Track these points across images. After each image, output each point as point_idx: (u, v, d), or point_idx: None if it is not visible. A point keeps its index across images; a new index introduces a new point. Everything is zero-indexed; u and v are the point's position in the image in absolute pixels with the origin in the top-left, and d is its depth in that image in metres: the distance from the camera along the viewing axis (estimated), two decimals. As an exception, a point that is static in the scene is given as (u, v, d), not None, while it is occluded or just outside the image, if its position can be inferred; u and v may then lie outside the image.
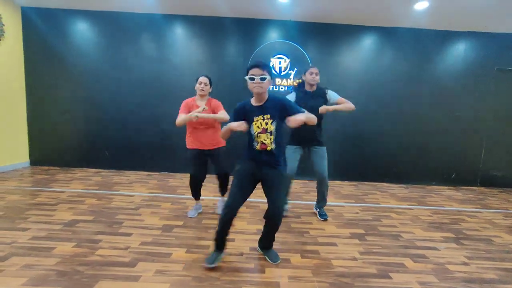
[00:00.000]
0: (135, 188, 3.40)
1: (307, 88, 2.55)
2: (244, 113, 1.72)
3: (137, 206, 2.77)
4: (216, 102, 2.50)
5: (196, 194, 2.64)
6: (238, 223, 2.45)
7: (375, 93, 4.23)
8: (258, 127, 1.68)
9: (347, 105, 2.52)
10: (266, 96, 1.71)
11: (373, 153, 4.33)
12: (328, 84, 4.04)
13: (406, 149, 4.33)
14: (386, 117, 4.26)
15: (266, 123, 1.66)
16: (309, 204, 3.09)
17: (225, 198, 2.54)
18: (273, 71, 4.15)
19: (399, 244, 2.20)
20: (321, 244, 2.14)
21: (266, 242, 1.89)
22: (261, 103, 1.69)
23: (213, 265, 1.70)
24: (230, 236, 2.12)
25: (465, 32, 4.13)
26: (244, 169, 1.75)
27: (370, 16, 3.82)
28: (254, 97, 1.72)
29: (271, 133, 1.68)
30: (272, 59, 4.12)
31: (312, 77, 2.48)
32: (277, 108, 1.68)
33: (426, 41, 4.15)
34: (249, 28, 4.13)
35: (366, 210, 3.01)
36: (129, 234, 2.13)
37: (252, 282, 1.60)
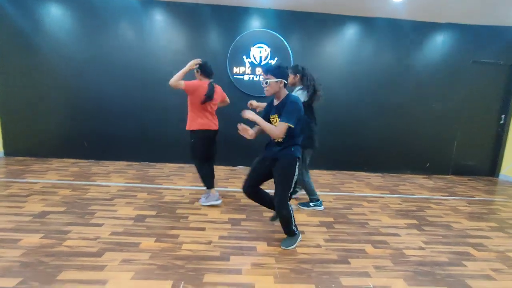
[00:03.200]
0: (112, 178, 3.39)
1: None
2: (268, 108, 2.02)
3: (112, 196, 2.77)
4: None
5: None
6: (211, 213, 2.50)
7: (355, 84, 4.28)
8: (273, 123, 1.93)
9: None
10: (283, 96, 1.90)
11: (353, 143, 4.42)
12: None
13: (385, 139, 4.44)
14: (366, 108, 4.34)
15: (276, 121, 1.90)
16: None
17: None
18: (253, 60, 4.11)
19: (364, 231, 2.31)
20: (289, 232, 2.22)
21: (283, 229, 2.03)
22: (277, 102, 1.92)
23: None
24: (200, 224, 2.18)
25: (444, 23, 4.18)
26: (262, 155, 2.02)
27: (349, 6, 3.80)
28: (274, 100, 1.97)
29: None
30: (252, 48, 4.07)
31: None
32: (283, 108, 1.87)
33: (405, 32, 4.18)
34: (230, 16, 4.04)
35: (340, 199, 3.11)
36: (100, 225, 2.14)
37: (215, 269, 1.66)
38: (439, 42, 4.25)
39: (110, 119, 4.17)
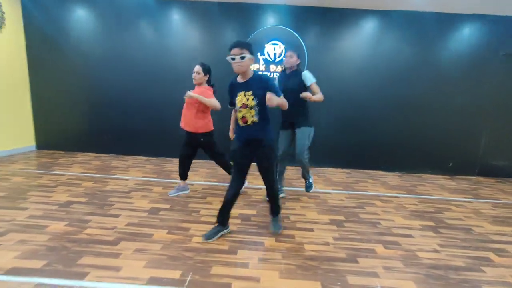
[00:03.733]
0: (131, 172, 3.56)
1: (287, 71, 2.71)
2: (232, 88, 1.91)
3: (129, 189, 2.92)
4: (201, 90, 2.60)
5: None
6: (222, 208, 2.56)
7: (372, 79, 4.14)
8: (240, 101, 1.83)
9: (319, 96, 2.55)
10: (250, 74, 1.84)
11: (369, 140, 4.30)
12: (323, 70, 4.02)
13: (403, 136, 4.27)
14: (384, 104, 4.19)
15: (247, 99, 1.79)
16: (298, 190, 3.17)
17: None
18: (267, 57, 4.11)
19: (375, 231, 2.26)
20: (298, 229, 2.22)
21: (271, 208, 2.17)
22: (245, 80, 1.83)
23: (210, 240, 1.93)
24: (211, 219, 2.24)
25: (471, 15, 3.92)
26: (237, 151, 1.96)
27: (368, -1, 3.68)
28: (239, 75, 1.86)
29: (252, 107, 1.81)
30: (266, 45, 4.07)
31: (286, 60, 2.65)
32: (261, 86, 1.80)
33: (427, 25, 3.97)
34: (244, 13, 4.06)
35: (352, 198, 3.06)
36: (117, 216, 2.27)
37: (223, 262, 1.71)
38: (466, 34, 4.00)
39: (130, 115, 4.37)
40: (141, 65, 4.24)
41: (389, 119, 4.23)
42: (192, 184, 3.18)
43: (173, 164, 4.08)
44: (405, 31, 4.02)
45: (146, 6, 4.10)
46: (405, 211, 2.74)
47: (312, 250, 1.91)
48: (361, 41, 4.09)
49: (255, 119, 1.84)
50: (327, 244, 2.01)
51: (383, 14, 3.99)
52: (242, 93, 1.82)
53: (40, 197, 2.58)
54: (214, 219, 2.28)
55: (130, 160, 4.22)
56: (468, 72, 4.07)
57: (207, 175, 3.59)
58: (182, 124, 2.68)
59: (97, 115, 4.41)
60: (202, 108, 2.59)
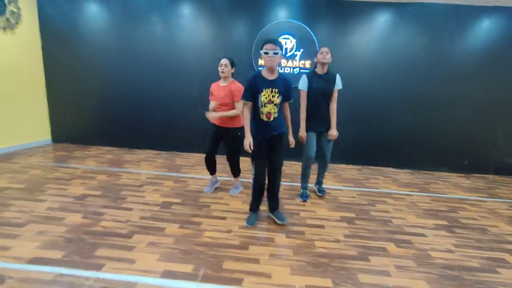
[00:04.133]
0: (142, 166, 3.62)
1: (319, 70, 2.59)
2: (257, 82, 1.93)
3: (141, 183, 2.98)
4: (236, 87, 2.51)
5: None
6: (233, 203, 2.58)
7: (384, 74, 4.04)
8: (266, 98, 1.92)
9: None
10: (277, 72, 1.95)
11: (381, 136, 4.22)
12: (336, 65, 3.94)
13: (416, 132, 4.17)
14: (396, 99, 4.09)
15: (273, 96, 1.91)
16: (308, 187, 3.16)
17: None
18: (278, 52, 4.06)
19: (386, 229, 2.24)
20: (308, 225, 2.22)
21: (272, 204, 2.24)
22: (272, 77, 1.92)
23: (254, 225, 2.11)
24: (221, 214, 2.27)
25: (491, 6, 3.75)
26: (259, 141, 2.02)
27: (383, -9, 3.56)
28: (265, 70, 1.93)
29: (276, 105, 1.96)
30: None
31: (323, 55, 2.51)
32: (284, 85, 1.97)
33: (442, 18, 3.82)
34: (255, 7, 4.01)
35: (364, 195, 3.02)
36: (130, 209, 2.32)
37: (234, 257, 1.73)
38: (484, 28, 3.83)
39: (141, 109, 4.43)
40: (151, 60, 4.27)
41: (401, 115, 4.13)
42: (203, 179, 3.22)
43: (183, 158, 4.12)
44: (419, 25, 3.89)
45: (157, 1, 4.10)
46: (418, 209, 2.70)
47: (323, 247, 1.91)
48: (374, 35, 3.98)
49: (277, 115, 2.01)
50: (338, 241, 2.00)
51: (397, 7, 3.87)
52: (269, 89, 1.91)
53: (57, 190, 2.66)
54: (225, 215, 2.32)
55: (142, 154, 4.29)
56: (484, 67, 3.91)
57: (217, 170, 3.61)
58: (218, 123, 2.60)
59: (109, 109, 4.49)
60: (235, 104, 2.56)
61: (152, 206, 2.42)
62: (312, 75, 2.58)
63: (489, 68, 3.92)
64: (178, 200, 2.58)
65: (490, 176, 4.16)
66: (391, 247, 1.96)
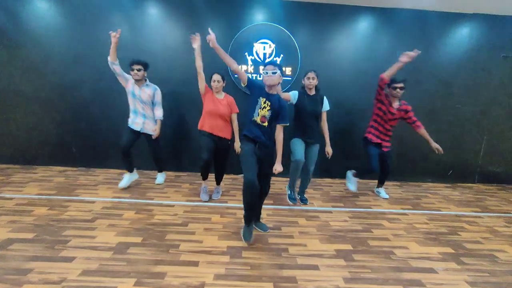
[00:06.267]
0: (99, 191, 3.03)
1: (307, 91, 2.79)
2: (258, 86, 2.10)
3: (94, 217, 2.40)
4: (232, 100, 2.90)
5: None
6: (207, 240, 2.11)
7: (369, 83, 3.78)
8: (264, 102, 2.04)
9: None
10: (276, 91, 2.09)
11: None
12: (316, 70, 3.66)
13: (401, 143, 3.98)
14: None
15: (265, 107, 2.04)
16: (294, 209, 2.78)
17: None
18: (256, 57, 3.69)
19: (391, 265, 1.90)
20: (300, 267, 1.82)
21: (257, 215, 2.31)
22: (270, 92, 2.06)
23: (250, 240, 2.03)
24: (194, 257, 1.81)
25: (471, 14, 3.70)
26: (249, 148, 2.05)
27: (366, -6, 3.36)
28: (266, 88, 2.08)
29: (265, 116, 2.05)
30: (255, 44, 3.65)
31: (309, 81, 2.73)
32: (279, 104, 2.06)
33: (427, 25, 3.71)
34: (230, 8, 3.63)
35: (356, 217, 2.70)
36: (70, 259, 1.77)
37: (207, 333, 1.27)
38: (465, 35, 3.78)
39: (101, 123, 3.81)
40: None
41: (387, 125, 3.93)
42: (171, 206, 2.71)
43: (151, 178, 3.57)
44: (402, 31, 3.74)
45: (119, 1, 3.57)
46: (417, 233, 2.41)
47: (321, 301, 1.51)
48: (356, 40, 3.77)
49: (267, 124, 2.06)
50: (338, 289, 1.62)
51: (379, 12, 3.69)
52: (264, 99, 2.04)
53: (-28, 234, 2.02)
54: (197, 257, 1.85)
55: (101, 174, 3.67)
56: (468, 75, 3.85)
57: (189, 193, 3.12)
58: (215, 131, 2.77)
59: (62, 123, 3.81)
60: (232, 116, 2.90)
61: (102, 251, 1.88)
62: (303, 95, 2.78)
63: (472, 75, 3.86)
64: (138, 240, 2.06)
65: (475, 186, 4.08)
66: (401, 293, 1.62)
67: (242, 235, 2.09)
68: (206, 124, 2.78)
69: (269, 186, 2.22)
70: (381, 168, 3.13)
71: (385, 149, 3.10)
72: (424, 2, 3.46)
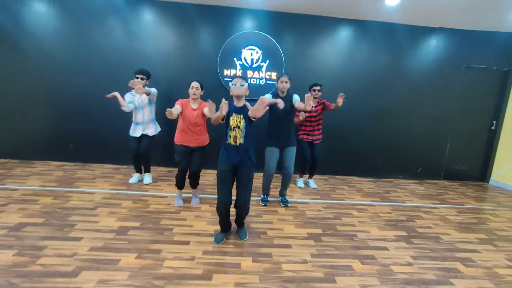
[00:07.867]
0: (97, 184, 3.29)
1: (280, 94, 2.86)
2: (229, 109, 2.11)
3: (95, 205, 2.68)
4: (204, 104, 2.78)
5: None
6: (197, 224, 2.44)
7: (349, 88, 4.21)
8: (234, 121, 2.07)
9: (302, 105, 2.71)
10: (244, 102, 2.13)
11: (345, 147, 4.38)
12: (300, 76, 4.02)
13: (377, 143, 4.41)
14: (358, 112, 4.29)
15: (239, 121, 2.07)
16: (275, 200, 3.12)
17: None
18: (244, 62, 4.01)
19: (352, 244, 2.27)
20: (276, 246, 2.17)
21: (238, 222, 2.27)
22: (239, 105, 2.11)
23: (220, 242, 2.14)
24: (185, 238, 2.11)
25: (438, 28, 4.13)
26: (224, 170, 2.09)
27: (342, 8, 3.72)
28: (234, 99, 2.14)
29: (241, 130, 2.07)
30: (243, 50, 3.98)
31: (283, 84, 2.79)
32: (247, 111, 2.09)
33: (398, 36, 4.13)
34: (221, 17, 3.93)
35: (330, 208, 3.07)
36: (79, 239, 2.06)
37: (196, 291, 1.60)
38: (433, 46, 4.21)
39: (98, 121, 4.05)
40: (109, 68, 3.95)
41: (364, 127, 4.34)
42: (164, 197, 3.01)
43: (145, 174, 3.84)
44: (378, 41, 4.14)
45: (115, 6, 3.82)
46: (380, 220, 2.80)
47: (290, 271, 1.86)
48: (336, 48, 4.14)
49: (242, 141, 2.08)
50: (305, 262, 1.97)
51: (357, 24, 4.08)
52: (237, 115, 2.07)
53: (-14, 219, 2.27)
54: (188, 238, 2.17)
55: (98, 169, 3.92)
56: (436, 83, 4.30)
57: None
58: (186, 143, 2.75)
59: (60, 120, 4.03)
60: (204, 121, 2.81)
61: (106, 233, 2.17)
62: (276, 97, 2.82)
63: (439, 83, 4.30)
64: (136, 224, 2.36)
65: (440, 182, 4.54)
66: (356, 264, 1.98)
67: (214, 237, 2.19)
68: (179, 136, 2.77)
69: (248, 201, 2.12)
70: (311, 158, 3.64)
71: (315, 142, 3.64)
72: (396, 16, 3.86)
